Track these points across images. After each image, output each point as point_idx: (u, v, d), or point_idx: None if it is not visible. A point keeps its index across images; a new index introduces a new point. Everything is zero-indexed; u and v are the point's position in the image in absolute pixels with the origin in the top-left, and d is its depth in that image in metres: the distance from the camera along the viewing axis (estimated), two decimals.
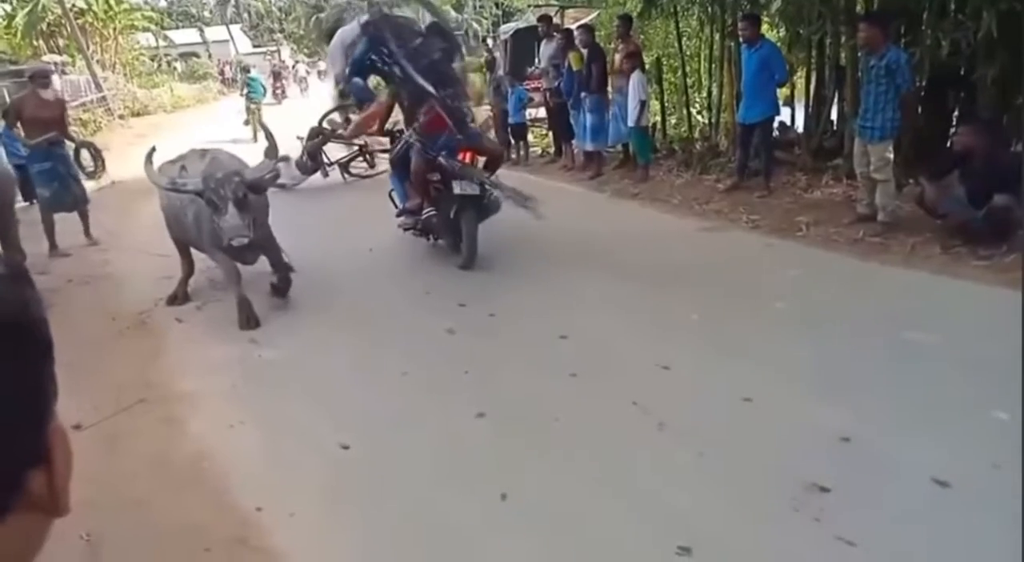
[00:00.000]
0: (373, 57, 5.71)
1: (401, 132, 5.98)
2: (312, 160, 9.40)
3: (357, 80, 5.89)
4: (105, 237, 7.22)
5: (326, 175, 9.67)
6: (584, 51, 8.69)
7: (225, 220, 4.25)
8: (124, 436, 3.34)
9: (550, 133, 11.14)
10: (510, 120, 11.00)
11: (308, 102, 22.56)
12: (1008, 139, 5.62)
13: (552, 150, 11.06)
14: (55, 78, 18.18)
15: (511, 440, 3.08)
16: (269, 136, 5.05)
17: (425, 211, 5.63)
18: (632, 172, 8.63)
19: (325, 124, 9.37)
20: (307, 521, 2.61)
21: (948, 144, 5.33)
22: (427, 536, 2.48)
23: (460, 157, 5.42)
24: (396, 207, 6.21)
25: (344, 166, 9.72)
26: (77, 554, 2.46)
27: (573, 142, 9.65)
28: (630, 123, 8.21)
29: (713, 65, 9.34)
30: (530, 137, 11.41)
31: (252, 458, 3.10)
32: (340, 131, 9.26)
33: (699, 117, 10.04)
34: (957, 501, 2.44)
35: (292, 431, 3.31)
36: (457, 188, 5.30)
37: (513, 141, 11.31)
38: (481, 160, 5.68)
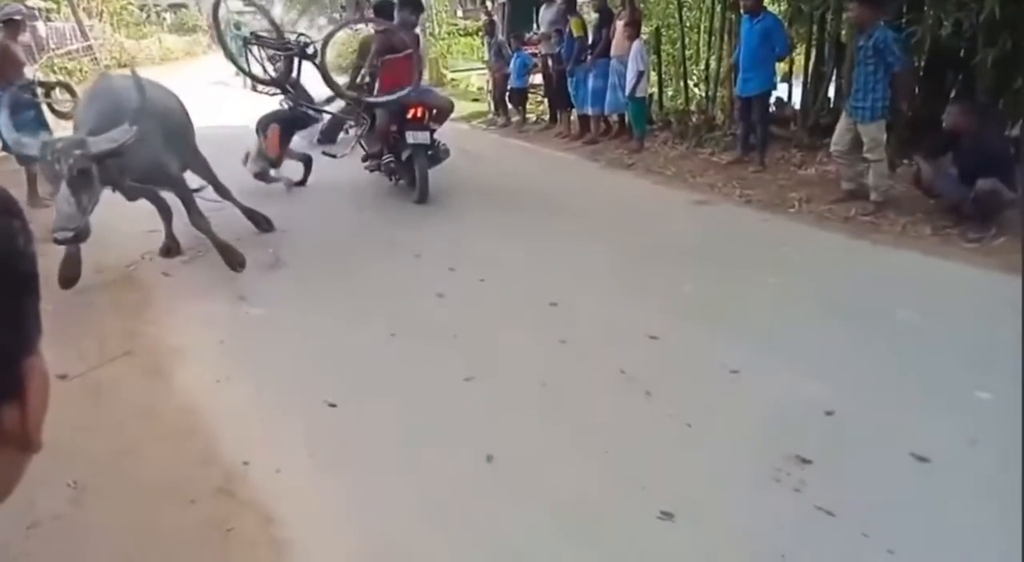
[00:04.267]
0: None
1: (367, 86, 6.71)
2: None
3: None
4: None
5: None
6: (585, 17, 8.60)
7: (57, 203, 3.65)
8: (110, 387, 3.32)
9: (546, 100, 11.03)
10: (512, 85, 10.89)
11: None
12: (1000, 121, 5.62)
13: (547, 117, 10.97)
14: (39, 24, 17.75)
15: (498, 403, 3.10)
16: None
17: (384, 157, 6.65)
18: (627, 142, 8.59)
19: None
20: (294, 476, 2.62)
21: (943, 124, 5.31)
22: (412, 495, 2.50)
23: (412, 111, 6.26)
24: (364, 151, 7.07)
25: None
26: (64, 501, 2.46)
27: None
28: (628, 93, 8.15)
29: (713, 37, 9.23)
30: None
31: (239, 413, 3.10)
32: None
33: (696, 90, 9.94)
34: (935, 476, 2.49)
35: (280, 388, 3.31)
36: (410, 138, 6.24)
37: (512, 106, 11.20)
38: (432, 112, 6.44)
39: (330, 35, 7.03)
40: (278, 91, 6.87)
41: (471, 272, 4.65)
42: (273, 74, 6.85)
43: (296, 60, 6.70)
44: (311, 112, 7.07)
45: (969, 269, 4.40)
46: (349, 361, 3.54)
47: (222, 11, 6.79)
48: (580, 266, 4.73)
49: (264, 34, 7.15)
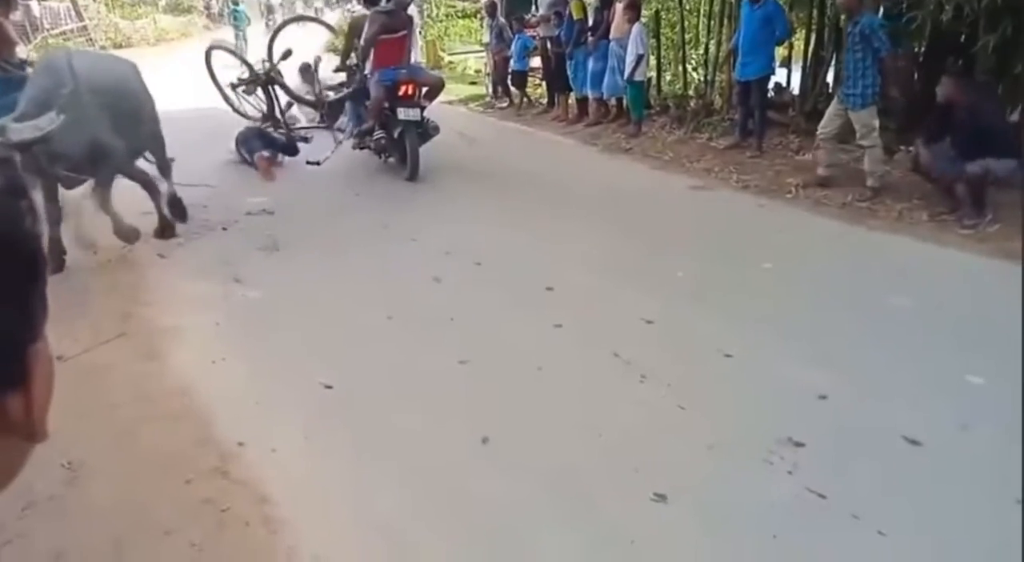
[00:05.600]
0: None
1: (357, 67, 7.01)
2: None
3: None
4: None
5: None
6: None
7: None
8: (105, 368, 3.32)
9: (544, 83, 10.96)
10: (513, 67, 10.82)
11: (311, 32, 22.15)
12: (994, 95, 5.60)
13: (545, 101, 10.91)
14: (33, 4, 17.55)
15: (494, 386, 3.11)
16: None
17: (376, 133, 6.77)
18: (625, 127, 8.55)
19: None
20: (289, 457, 2.63)
21: (937, 98, 5.29)
22: (407, 476, 2.52)
23: (404, 88, 6.47)
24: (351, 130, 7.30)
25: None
26: (59, 482, 2.47)
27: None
28: (626, 77, 8.10)
29: (712, 21, 9.17)
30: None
31: (234, 394, 3.10)
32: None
33: (695, 74, 9.89)
34: (926, 459, 2.51)
35: (275, 369, 3.31)
36: (402, 114, 6.41)
37: (515, 89, 11.13)
38: (423, 90, 6.70)
39: (272, 39, 7.38)
40: (269, 123, 7.40)
41: (467, 256, 4.64)
42: (262, 107, 7.45)
43: (270, 87, 7.28)
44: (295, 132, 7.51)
45: (963, 255, 4.41)
46: (345, 343, 3.54)
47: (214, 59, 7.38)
48: (576, 251, 4.73)
49: (240, 79, 7.54)
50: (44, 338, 0.48)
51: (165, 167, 5.44)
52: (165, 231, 5.13)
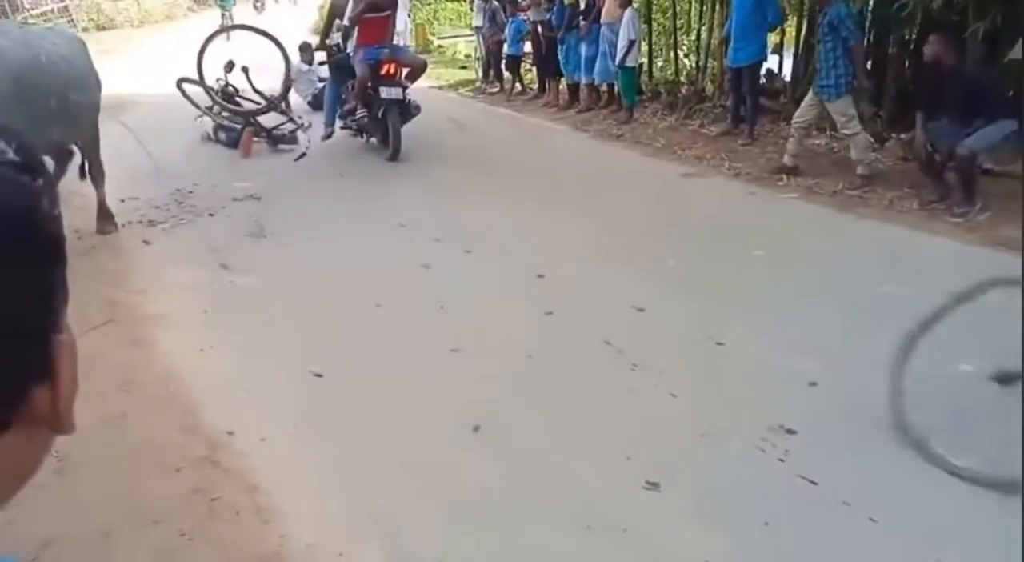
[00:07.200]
0: None
1: (338, 46, 7.03)
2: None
3: None
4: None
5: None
6: None
7: None
8: (92, 356, 3.26)
9: (534, 68, 10.88)
10: (507, 51, 10.71)
11: (299, 14, 21.99)
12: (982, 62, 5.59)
13: (535, 86, 10.83)
14: None
15: (485, 374, 3.09)
16: None
17: (358, 113, 6.87)
18: (616, 113, 8.51)
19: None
20: (278, 446, 2.61)
21: (924, 57, 5.26)
22: (397, 464, 2.50)
23: (386, 67, 6.57)
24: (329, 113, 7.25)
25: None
26: (47, 471, 2.43)
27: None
28: (618, 62, 8.05)
29: (704, 6, 9.12)
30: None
31: (223, 382, 3.07)
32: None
33: (686, 60, 9.85)
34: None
35: (263, 357, 3.28)
36: (384, 93, 6.50)
37: (508, 74, 11.01)
38: (405, 70, 6.84)
39: (200, 55, 7.22)
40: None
41: (457, 243, 4.61)
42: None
43: (236, 99, 7.45)
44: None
45: (954, 243, 4.42)
46: (334, 331, 3.51)
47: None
48: (567, 238, 4.71)
49: (208, 107, 7.57)
50: (68, 328, 0.45)
51: (96, 170, 4.86)
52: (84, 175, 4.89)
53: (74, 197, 5.76)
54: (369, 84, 6.62)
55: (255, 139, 7.20)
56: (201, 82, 7.20)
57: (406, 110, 6.78)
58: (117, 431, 2.69)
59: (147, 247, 4.71)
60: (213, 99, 7.35)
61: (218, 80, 7.42)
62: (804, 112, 5.87)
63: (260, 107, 7.40)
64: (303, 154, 6.79)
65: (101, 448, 2.59)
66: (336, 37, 7.09)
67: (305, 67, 9.09)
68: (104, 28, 19.67)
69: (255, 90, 7.51)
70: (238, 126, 7.27)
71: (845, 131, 5.65)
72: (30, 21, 16.66)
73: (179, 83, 7.42)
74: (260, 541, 2.15)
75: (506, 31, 10.56)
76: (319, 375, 3.07)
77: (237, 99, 7.52)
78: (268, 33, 7.32)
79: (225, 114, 7.42)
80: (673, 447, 2.57)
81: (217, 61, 7.33)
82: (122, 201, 5.34)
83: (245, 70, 7.42)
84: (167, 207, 5.42)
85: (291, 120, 7.40)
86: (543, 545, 2.14)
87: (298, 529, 2.19)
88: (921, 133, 5.03)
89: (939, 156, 4.97)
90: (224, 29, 7.52)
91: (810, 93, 5.89)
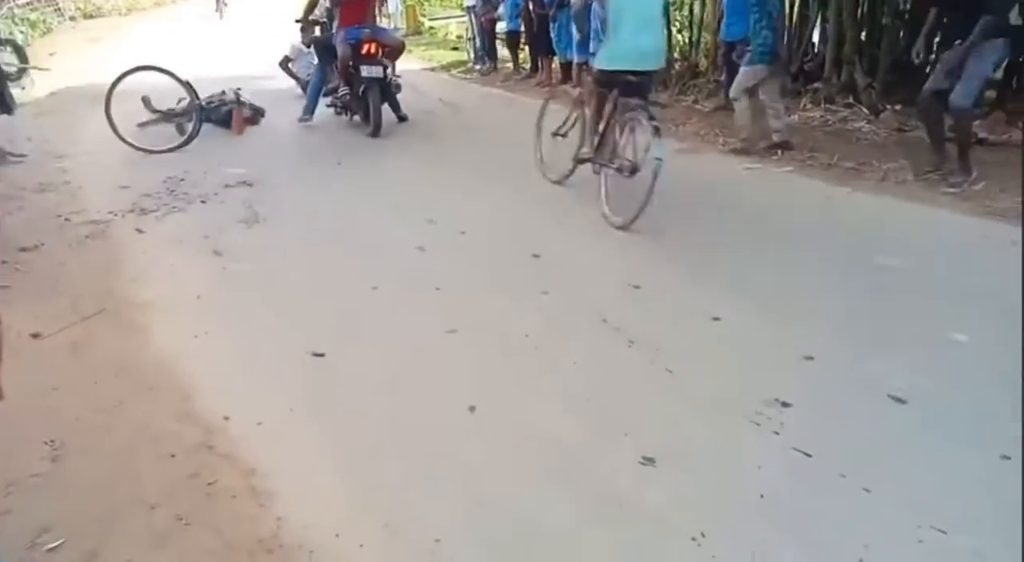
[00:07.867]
0: None
1: (324, 25, 7.55)
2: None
3: None
4: (62, 145, 6.93)
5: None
6: None
7: None
8: (86, 345, 3.27)
9: (527, 47, 10.78)
10: (505, 27, 10.61)
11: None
12: None
13: (527, 66, 10.74)
14: None
15: (481, 355, 3.09)
16: None
17: (340, 90, 7.24)
18: None
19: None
20: (275, 430, 2.60)
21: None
22: (395, 446, 2.50)
23: (367, 47, 6.80)
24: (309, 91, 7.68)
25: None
26: (42, 459, 2.44)
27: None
28: None
29: None
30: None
31: (218, 368, 3.06)
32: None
33: (679, 36, 9.75)
34: (911, 417, 2.53)
35: (258, 343, 3.27)
36: (365, 72, 6.75)
37: (507, 51, 10.88)
38: (384, 49, 7.02)
39: (108, 96, 6.46)
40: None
41: (451, 224, 4.59)
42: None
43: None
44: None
45: (949, 214, 4.41)
46: (330, 314, 3.50)
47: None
48: (561, 216, 4.69)
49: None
50: None
51: None
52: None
53: (61, 184, 5.75)
54: (351, 63, 6.83)
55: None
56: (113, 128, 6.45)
57: (387, 88, 7.11)
58: (112, 419, 2.69)
59: (140, 235, 4.69)
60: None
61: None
62: (736, 88, 5.96)
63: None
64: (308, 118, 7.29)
65: (97, 435, 2.59)
66: (319, 14, 7.51)
67: (305, 48, 9.23)
68: (91, 16, 19.42)
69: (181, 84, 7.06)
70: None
71: (762, 97, 5.80)
72: (15, 10, 16.46)
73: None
74: (257, 524, 2.15)
75: (500, 8, 10.44)
76: (320, 355, 3.07)
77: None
78: (170, 71, 6.73)
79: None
80: (669, 422, 2.58)
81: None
82: (122, 187, 5.32)
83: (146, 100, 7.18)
84: (159, 195, 5.39)
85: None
86: (540, 521, 2.14)
87: (295, 511, 2.19)
88: (922, 40, 5.12)
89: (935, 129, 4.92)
90: (133, 70, 6.97)
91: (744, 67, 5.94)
